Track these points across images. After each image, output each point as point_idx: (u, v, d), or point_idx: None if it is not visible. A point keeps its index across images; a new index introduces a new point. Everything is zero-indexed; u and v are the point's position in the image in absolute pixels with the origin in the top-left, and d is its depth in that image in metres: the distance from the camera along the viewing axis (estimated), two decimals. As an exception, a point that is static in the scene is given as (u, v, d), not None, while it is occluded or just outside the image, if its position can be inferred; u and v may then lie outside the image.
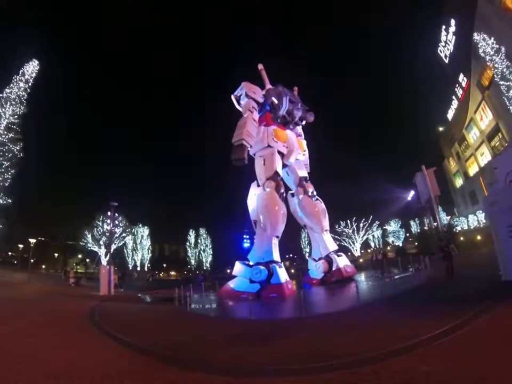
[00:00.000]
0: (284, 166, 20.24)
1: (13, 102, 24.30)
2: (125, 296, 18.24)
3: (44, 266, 49.75)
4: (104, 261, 35.95)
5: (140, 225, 47.98)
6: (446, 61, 43.69)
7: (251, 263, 15.30)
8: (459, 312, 6.08)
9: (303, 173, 21.19)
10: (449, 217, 52.71)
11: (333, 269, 17.27)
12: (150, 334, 7.39)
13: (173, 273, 73.35)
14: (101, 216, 36.46)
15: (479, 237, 24.40)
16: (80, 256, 54.45)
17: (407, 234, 74.15)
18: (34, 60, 26.83)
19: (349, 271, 17.30)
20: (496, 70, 20.69)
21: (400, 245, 57.76)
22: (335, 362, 4.49)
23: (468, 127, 44.65)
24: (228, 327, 8.17)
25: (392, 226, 70.29)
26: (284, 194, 18.17)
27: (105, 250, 36.08)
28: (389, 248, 58.89)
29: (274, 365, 4.67)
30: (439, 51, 44.47)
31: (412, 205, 62.81)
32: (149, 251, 50.24)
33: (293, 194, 20.71)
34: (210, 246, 62.47)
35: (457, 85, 42.97)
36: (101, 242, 36.73)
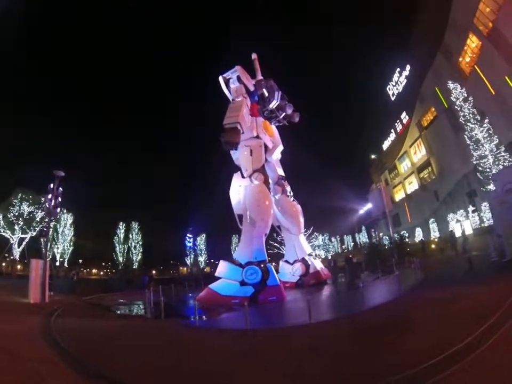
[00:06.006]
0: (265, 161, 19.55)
1: None
2: (70, 305, 12.86)
3: None
4: (17, 251, 28.28)
5: (65, 211, 39.46)
6: (392, 99, 50.18)
7: (237, 263, 13.58)
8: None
9: (281, 171, 20.82)
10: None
11: (311, 271, 16.90)
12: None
13: (94, 271, 63.69)
14: (19, 194, 28.76)
15: (433, 246, 28.44)
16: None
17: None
18: None
19: (326, 274, 17.22)
20: (462, 114, 25.89)
21: (329, 257, 62.23)
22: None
23: (400, 158, 51.76)
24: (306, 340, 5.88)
25: (319, 240, 76.94)
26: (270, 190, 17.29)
27: (20, 237, 28.18)
28: (320, 258, 62.67)
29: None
30: (388, 89, 50.83)
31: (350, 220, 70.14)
32: (71, 243, 41.96)
33: (268, 193, 19.97)
34: (141, 243, 55.62)
35: (398, 121, 49.64)
36: (16, 228, 28.72)
